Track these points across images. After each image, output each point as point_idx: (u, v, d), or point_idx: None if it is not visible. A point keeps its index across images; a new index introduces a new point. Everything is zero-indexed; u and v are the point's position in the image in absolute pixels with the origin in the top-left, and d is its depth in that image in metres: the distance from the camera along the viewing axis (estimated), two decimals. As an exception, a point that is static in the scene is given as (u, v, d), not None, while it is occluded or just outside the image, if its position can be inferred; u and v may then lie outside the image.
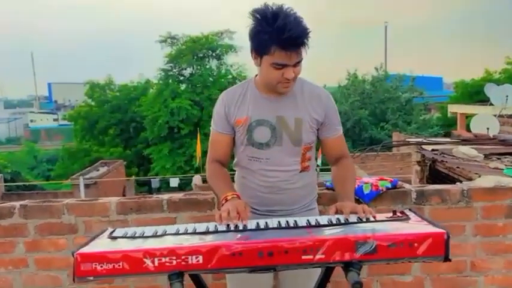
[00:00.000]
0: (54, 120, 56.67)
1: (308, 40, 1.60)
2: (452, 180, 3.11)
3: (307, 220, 1.54)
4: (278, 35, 1.55)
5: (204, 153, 21.01)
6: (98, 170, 16.29)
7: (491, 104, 12.29)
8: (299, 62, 1.64)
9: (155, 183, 20.06)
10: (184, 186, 20.59)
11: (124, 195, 15.61)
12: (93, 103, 26.59)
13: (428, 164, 3.67)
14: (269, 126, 1.76)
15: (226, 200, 1.66)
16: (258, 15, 1.60)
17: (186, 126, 22.46)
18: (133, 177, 20.58)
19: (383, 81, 25.07)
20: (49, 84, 70.76)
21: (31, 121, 56.78)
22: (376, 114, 24.09)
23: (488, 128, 7.63)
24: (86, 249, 1.34)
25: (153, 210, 2.32)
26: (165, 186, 20.65)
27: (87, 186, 14.34)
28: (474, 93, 23.44)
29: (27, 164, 30.90)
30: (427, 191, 2.32)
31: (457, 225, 2.31)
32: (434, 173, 3.61)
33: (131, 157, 24.45)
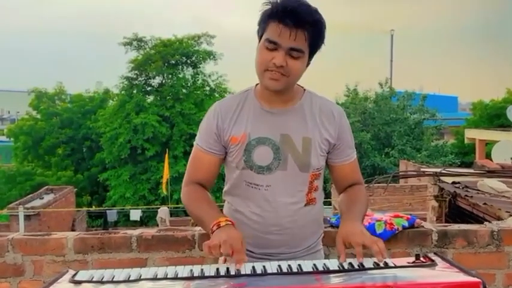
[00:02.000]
0: (-11, 135, 55.76)
1: (313, 28, 1.62)
2: (477, 219, 3.15)
3: (314, 264, 1.53)
4: (276, 7, 1.62)
5: (175, 179, 20.89)
6: (42, 198, 15.99)
7: (515, 130, 12.60)
8: (296, 51, 1.63)
9: (112, 215, 19.78)
10: (147, 219, 20.36)
11: (73, 230, 15.34)
12: (38, 116, 26.30)
13: (447, 200, 3.71)
14: (272, 146, 1.74)
15: (219, 227, 1.61)
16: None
17: (152, 147, 22.32)
18: (85, 208, 20.24)
19: (388, 99, 25.47)
20: (-15, 92, 69.81)
21: (-40, 136, 55.71)
22: (380, 138, 24.37)
23: (512, 158, 7.80)
24: (44, 297, 1.30)
25: (119, 249, 2.28)
26: (123, 220, 20.38)
27: (27, 217, 14.04)
28: (494, 116, 24.05)
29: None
30: (451, 231, 2.34)
31: (486, 274, 2.32)
32: (456, 210, 3.65)
33: (83, 183, 24.13)
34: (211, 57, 24.28)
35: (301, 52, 1.64)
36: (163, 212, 16.75)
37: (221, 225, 1.62)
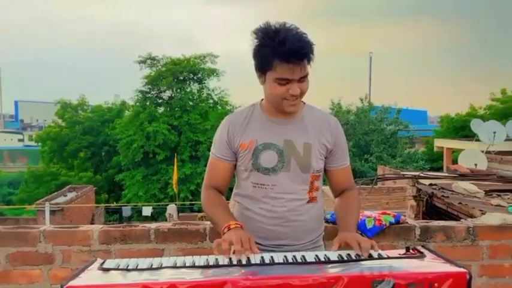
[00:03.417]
0: (19, 140, 55.42)
1: (312, 53, 1.63)
2: (452, 217, 3.12)
3: (316, 255, 1.50)
4: (279, 48, 1.58)
5: (181, 180, 20.82)
6: (65, 196, 15.92)
7: (477, 140, 12.61)
8: (304, 77, 1.65)
9: (126, 211, 19.64)
10: (157, 215, 20.23)
11: (93, 224, 15.21)
12: (63, 124, 26.21)
13: (425, 199, 3.68)
14: (276, 150, 1.74)
15: (229, 229, 1.61)
16: (260, 32, 1.63)
17: (162, 152, 22.23)
18: (103, 205, 20.11)
19: (367, 112, 25.50)
20: (16, 102, 69.60)
21: (-7, 141, 55.34)
22: (360, 146, 24.39)
23: (476, 164, 7.80)
24: (76, 282, 1.25)
25: (139, 241, 2.24)
26: (136, 215, 20.24)
27: (52, 212, 13.94)
28: (459, 128, 24.08)
29: (-15, 187, 29.93)
30: (432, 227, 2.31)
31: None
32: (432, 209, 3.62)
33: (101, 182, 23.99)
34: (215, 74, 24.27)
35: (307, 75, 1.66)
36: (171, 208, 16.64)
37: (231, 227, 1.62)
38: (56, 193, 16.27)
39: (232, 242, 1.51)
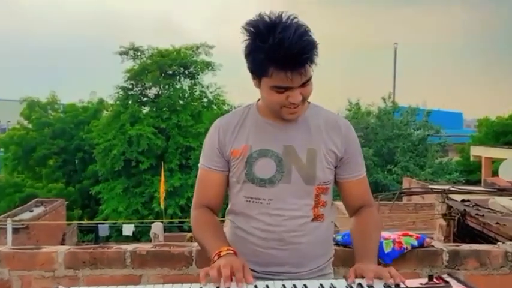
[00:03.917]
0: (-21, 145, 55.65)
1: (314, 55, 1.59)
2: (488, 240, 3.10)
3: (320, 284, 1.49)
4: (275, 53, 1.53)
5: (170, 193, 20.84)
6: (31, 211, 15.93)
7: (522, 148, 12.59)
8: (307, 82, 1.62)
9: (103, 230, 19.66)
10: (140, 235, 20.24)
11: (63, 244, 15.23)
12: (30, 126, 26.29)
13: (456, 218, 3.67)
14: (274, 158, 1.72)
15: (220, 256, 1.57)
16: (251, 30, 1.59)
17: (147, 160, 22.30)
18: (76, 222, 20.13)
19: (391, 114, 25.53)
20: (-25, 100, 69.91)
21: None
22: (382, 155, 24.38)
23: (520, 177, 7.78)
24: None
25: (112, 265, 2.24)
26: (116, 235, 20.25)
27: (16, 230, 13.94)
28: (501, 134, 24.09)
29: None
30: (463, 251, 2.30)
31: (499, 297, 2.29)
32: (465, 230, 3.61)
33: (74, 196, 24.03)
34: (210, 67, 24.37)
35: (311, 78, 1.63)
36: (157, 227, 16.65)
37: (222, 254, 1.58)
38: (20, 208, 16.26)
39: (221, 269, 1.49)
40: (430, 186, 5.17)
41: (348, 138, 1.79)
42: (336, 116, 1.84)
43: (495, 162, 16.98)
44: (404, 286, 1.50)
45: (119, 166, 22.44)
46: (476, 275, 2.28)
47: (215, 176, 1.78)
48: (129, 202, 22.35)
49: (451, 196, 4.04)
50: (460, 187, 4.36)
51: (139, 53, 24.30)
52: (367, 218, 1.80)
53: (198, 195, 1.82)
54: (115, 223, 20.61)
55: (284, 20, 1.56)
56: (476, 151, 19.52)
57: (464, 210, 3.56)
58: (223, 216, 1.90)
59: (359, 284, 1.51)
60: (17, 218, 14.57)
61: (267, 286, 1.48)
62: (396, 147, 24.12)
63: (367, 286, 1.51)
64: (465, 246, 2.36)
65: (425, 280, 1.54)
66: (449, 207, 3.86)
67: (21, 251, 2.24)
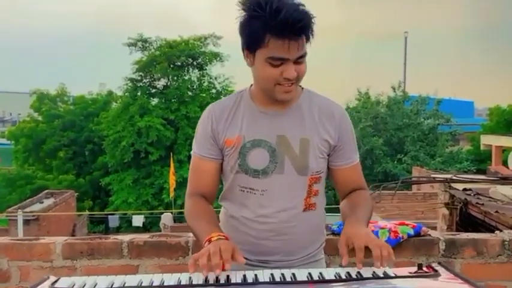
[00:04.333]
0: (-9, 137, 56.15)
1: (311, 27, 1.59)
2: (490, 228, 3.09)
3: (309, 273, 1.50)
4: (272, 19, 1.54)
5: (179, 184, 20.93)
6: (41, 203, 16.05)
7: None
8: (301, 58, 1.61)
9: (114, 221, 19.83)
10: (150, 226, 20.39)
11: (74, 235, 15.39)
12: (40, 118, 26.45)
13: (459, 207, 3.66)
14: (267, 148, 1.72)
15: (210, 242, 1.56)
16: (248, 2, 1.59)
17: (156, 151, 22.38)
18: (86, 213, 20.30)
19: (401, 103, 25.40)
20: (-14, 93, 70.42)
21: (-40, 138, 56.08)
22: (392, 144, 24.29)
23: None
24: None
25: (109, 255, 2.26)
26: (126, 226, 20.43)
27: (26, 222, 14.09)
28: (512, 122, 23.87)
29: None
30: (459, 240, 2.30)
31: (496, 286, 2.28)
32: (467, 219, 3.59)
33: (85, 187, 24.21)
34: (218, 58, 24.34)
35: (305, 55, 1.63)
36: (166, 218, 16.75)
37: (212, 240, 1.57)
38: (30, 200, 16.41)
39: (210, 255, 1.47)
40: (433, 175, 5.15)
41: (342, 126, 1.78)
42: (331, 103, 1.81)
43: (505, 151, 16.82)
44: (393, 274, 1.51)
45: (129, 157, 22.55)
46: (473, 264, 2.28)
47: (209, 164, 1.78)
48: (138, 193, 22.46)
49: (455, 185, 4.02)
50: (462, 176, 4.33)
51: (147, 45, 24.33)
52: (358, 195, 1.81)
53: (192, 184, 1.82)
54: (125, 214, 20.76)
55: None
56: (487, 140, 19.34)
57: (465, 199, 3.54)
58: (219, 206, 1.90)
59: (347, 272, 1.52)
60: (27, 210, 14.71)
61: (256, 275, 1.49)
62: (406, 137, 24.02)
63: (356, 274, 1.51)
64: (462, 235, 2.36)
65: (415, 269, 1.54)
66: (452, 196, 3.85)
67: (19, 241, 2.27)
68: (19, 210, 14.34)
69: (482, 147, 20.08)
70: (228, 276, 1.48)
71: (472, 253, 2.29)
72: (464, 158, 23.77)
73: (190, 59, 24.21)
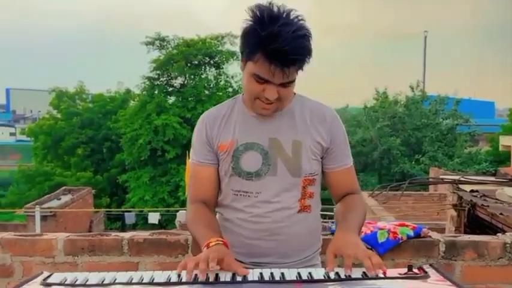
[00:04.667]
0: (11, 134, 56.91)
1: (303, 61, 1.60)
2: (496, 230, 3.06)
3: (298, 273, 1.50)
4: (266, 42, 1.54)
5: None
6: (59, 199, 16.24)
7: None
8: (288, 84, 1.62)
9: (130, 218, 20.00)
10: (166, 223, 20.51)
11: (90, 232, 15.51)
12: (59, 115, 26.77)
13: (466, 209, 3.62)
14: (260, 151, 1.73)
15: (208, 247, 1.58)
16: (256, 13, 1.59)
17: (172, 149, 22.50)
18: (103, 210, 20.50)
19: (420, 103, 25.15)
20: (7, 90, 71.44)
21: (-19, 135, 56.91)
22: (410, 144, 24.08)
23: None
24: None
25: (110, 252, 2.29)
26: (142, 223, 20.56)
27: (44, 218, 14.27)
28: (533, 123, 23.48)
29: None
30: (460, 242, 2.28)
31: (497, 289, 2.26)
32: (475, 220, 3.56)
33: (102, 184, 24.43)
34: (235, 57, 24.34)
35: (293, 81, 1.64)
36: (182, 215, 16.79)
37: (211, 245, 1.59)
38: (48, 196, 16.59)
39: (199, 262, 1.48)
40: (441, 177, 5.09)
41: (334, 128, 1.79)
42: (322, 106, 1.83)
43: (525, 152, 16.55)
44: (383, 275, 1.51)
45: (145, 155, 22.71)
46: (473, 266, 2.26)
47: (207, 170, 1.80)
48: (155, 191, 22.62)
49: (464, 187, 3.98)
50: (470, 177, 4.28)
51: (165, 43, 24.45)
52: (351, 200, 1.81)
53: (192, 191, 1.84)
54: (141, 211, 20.90)
55: (290, 17, 1.58)
56: (506, 141, 19.02)
57: (471, 200, 3.51)
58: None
59: (336, 273, 1.52)
60: (45, 206, 14.89)
61: (245, 276, 1.50)
62: (424, 137, 23.79)
63: (345, 275, 1.51)
64: (463, 237, 2.34)
65: (405, 270, 1.54)
66: (460, 197, 3.81)
67: (22, 237, 2.31)
68: (37, 206, 14.51)
69: (500, 148, 19.78)
70: (217, 274, 1.50)
71: (473, 255, 2.27)
72: (483, 159, 23.45)
73: (207, 58, 24.28)
